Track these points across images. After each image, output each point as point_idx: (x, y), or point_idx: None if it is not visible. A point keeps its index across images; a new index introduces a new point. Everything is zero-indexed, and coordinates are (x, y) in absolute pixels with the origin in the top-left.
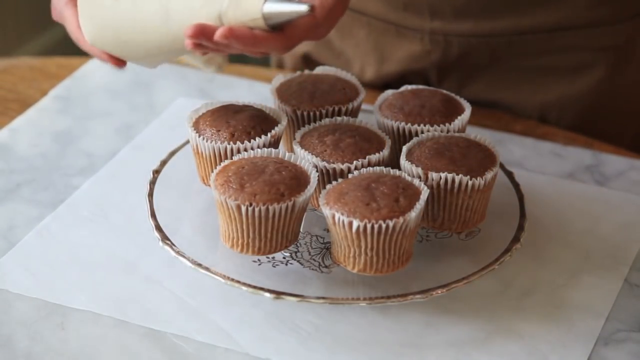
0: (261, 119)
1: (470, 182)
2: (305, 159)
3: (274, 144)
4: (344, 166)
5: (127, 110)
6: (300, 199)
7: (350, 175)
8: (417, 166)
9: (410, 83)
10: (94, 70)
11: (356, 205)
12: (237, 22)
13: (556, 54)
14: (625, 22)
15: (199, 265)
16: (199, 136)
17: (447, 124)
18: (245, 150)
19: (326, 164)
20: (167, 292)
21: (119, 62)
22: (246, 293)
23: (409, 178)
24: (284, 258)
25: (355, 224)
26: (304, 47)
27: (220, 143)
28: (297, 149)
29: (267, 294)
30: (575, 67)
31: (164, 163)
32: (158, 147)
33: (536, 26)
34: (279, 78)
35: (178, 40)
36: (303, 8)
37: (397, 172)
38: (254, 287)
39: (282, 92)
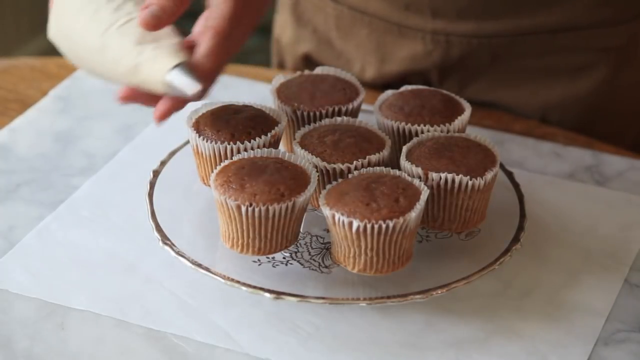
0: (261, 119)
1: (470, 182)
2: (305, 159)
3: (274, 144)
4: (344, 166)
5: (127, 110)
6: (300, 199)
7: (350, 176)
8: (417, 166)
9: (410, 83)
10: None
11: (356, 205)
12: (145, 79)
13: (558, 54)
14: (626, 22)
15: (199, 265)
16: (199, 136)
17: (447, 124)
18: (245, 150)
19: (326, 164)
20: (167, 292)
21: None
22: (246, 293)
23: (409, 178)
24: (284, 258)
25: (355, 224)
26: (304, 47)
27: (220, 143)
28: (297, 149)
29: (267, 294)
30: (577, 67)
31: (164, 163)
32: (158, 147)
33: (538, 27)
34: (279, 78)
35: (108, 73)
36: (190, 92)
37: (397, 172)
38: (254, 287)
39: (282, 92)
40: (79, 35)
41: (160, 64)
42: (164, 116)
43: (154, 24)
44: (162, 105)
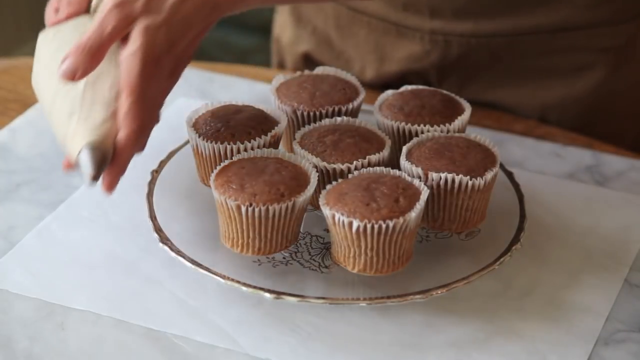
0: (261, 119)
1: (470, 182)
2: (305, 159)
3: (274, 144)
4: (344, 166)
5: None
6: (300, 199)
7: (350, 176)
8: (417, 166)
9: (410, 83)
10: None
11: (356, 205)
12: (69, 154)
13: (557, 54)
14: (626, 22)
15: (199, 265)
16: (199, 136)
17: (447, 124)
18: (245, 150)
19: (326, 164)
20: (167, 292)
21: None
22: (246, 293)
23: (409, 178)
24: (284, 258)
25: (355, 224)
26: (304, 46)
27: (220, 143)
28: (297, 149)
29: (267, 294)
30: (576, 67)
31: (163, 163)
32: (158, 147)
33: (536, 27)
34: (279, 78)
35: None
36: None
37: (397, 172)
38: (254, 287)
39: (282, 92)
40: (42, 89)
41: (75, 142)
42: (112, 187)
43: (70, 76)
44: (106, 178)
